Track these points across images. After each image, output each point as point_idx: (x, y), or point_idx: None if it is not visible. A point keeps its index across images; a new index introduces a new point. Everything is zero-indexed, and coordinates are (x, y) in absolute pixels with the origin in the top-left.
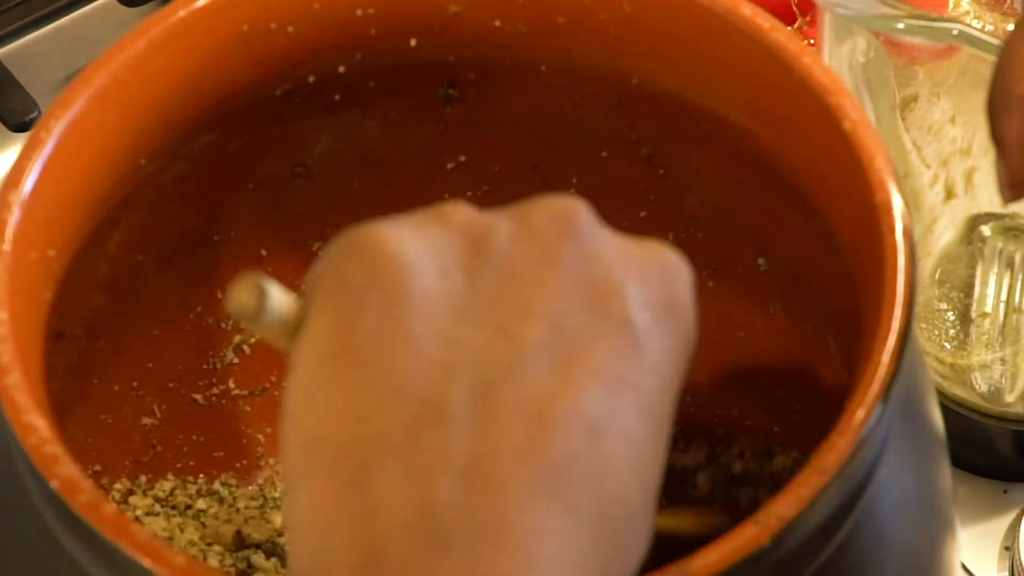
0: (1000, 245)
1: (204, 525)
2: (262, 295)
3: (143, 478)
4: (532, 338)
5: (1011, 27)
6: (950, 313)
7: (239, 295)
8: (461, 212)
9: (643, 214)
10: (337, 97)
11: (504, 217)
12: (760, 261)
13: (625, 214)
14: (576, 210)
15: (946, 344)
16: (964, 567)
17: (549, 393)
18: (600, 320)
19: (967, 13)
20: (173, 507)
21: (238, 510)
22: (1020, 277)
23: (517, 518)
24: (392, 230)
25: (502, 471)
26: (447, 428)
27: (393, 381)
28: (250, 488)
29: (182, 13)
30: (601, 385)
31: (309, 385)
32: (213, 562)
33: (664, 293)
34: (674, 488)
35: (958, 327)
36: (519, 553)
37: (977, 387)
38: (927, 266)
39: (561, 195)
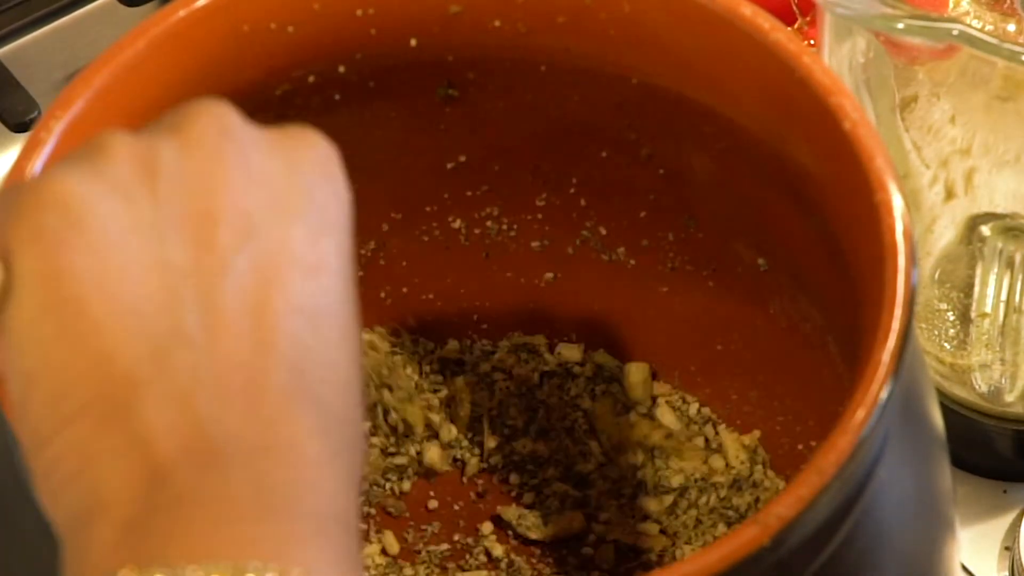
0: (1000, 245)
1: None
2: None
3: None
4: (228, 242)
5: (1011, 27)
6: (950, 313)
7: None
8: (119, 140)
9: (643, 214)
10: (337, 97)
11: (163, 135)
12: (760, 261)
13: (625, 214)
14: (227, 113)
15: (946, 344)
16: (964, 567)
17: (262, 292)
18: (278, 210)
19: (967, 13)
20: None
21: None
22: (1020, 277)
23: (281, 429)
24: (65, 174)
25: (251, 378)
26: (190, 348)
27: (122, 317)
28: None
29: (182, 13)
30: (301, 274)
31: (36, 341)
32: None
33: (322, 171)
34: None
35: (958, 327)
36: (292, 462)
37: (977, 387)
38: (927, 266)
39: (205, 100)
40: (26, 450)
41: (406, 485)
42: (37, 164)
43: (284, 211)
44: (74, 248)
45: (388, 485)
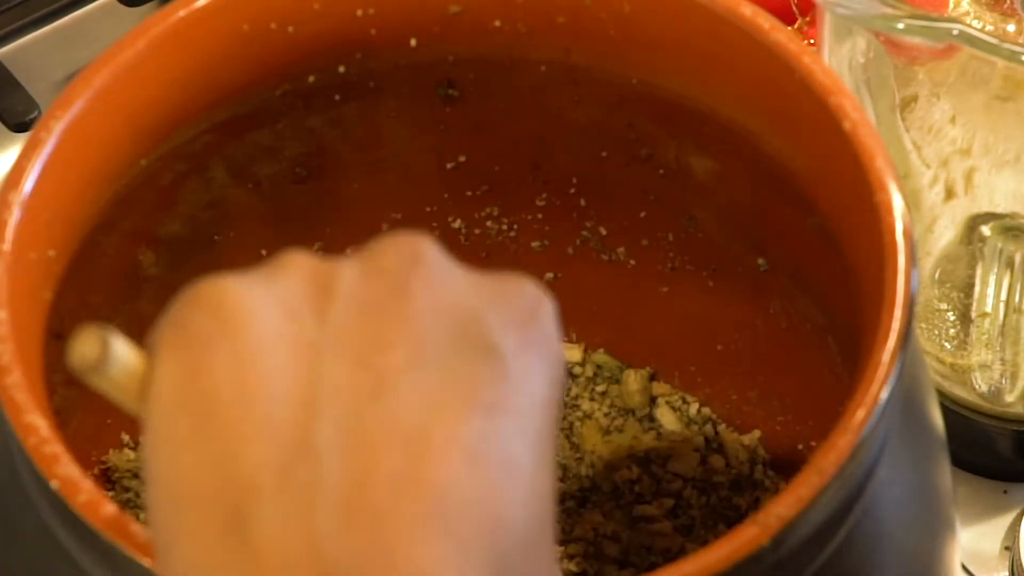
0: (1000, 245)
1: None
2: (104, 346)
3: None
4: (394, 366)
5: (1011, 27)
6: (950, 313)
7: (80, 346)
8: (302, 259)
9: (643, 214)
10: (337, 97)
11: (349, 260)
12: (760, 261)
13: (625, 214)
14: (422, 244)
15: (946, 344)
16: (964, 567)
17: (422, 420)
18: (463, 346)
19: (967, 13)
20: None
21: None
22: (1020, 277)
23: (405, 550)
24: (234, 281)
25: (381, 502)
26: (317, 463)
27: (254, 423)
28: None
29: (182, 13)
30: (475, 410)
31: (167, 439)
32: None
33: (524, 318)
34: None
35: (958, 327)
36: None
37: (977, 387)
38: (927, 266)
39: (406, 232)
40: (155, 545)
41: None
42: (37, 164)
43: (469, 346)
44: (217, 349)
45: None
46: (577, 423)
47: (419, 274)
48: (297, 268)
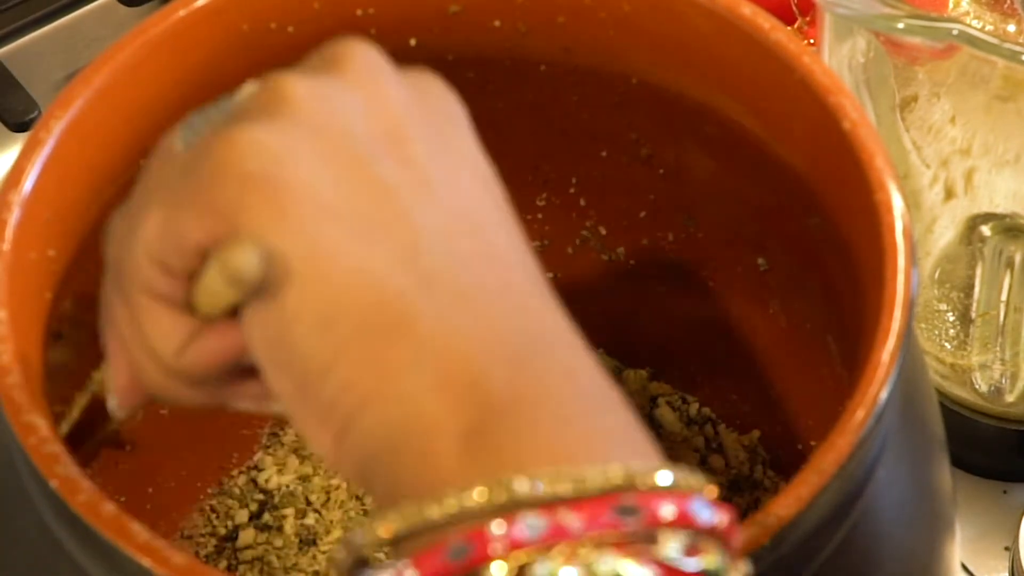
0: (1000, 245)
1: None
2: (260, 262)
3: None
4: (423, 156)
5: (1011, 27)
6: (950, 313)
7: (240, 262)
8: (292, 86)
9: (643, 214)
10: None
11: (408, 95)
12: (760, 261)
13: (625, 214)
14: (374, 53)
15: (946, 344)
16: (964, 567)
17: (467, 204)
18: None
19: (967, 13)
20: None
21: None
22: (1020, 277)
23: (548, 324)
24: (250, 127)
25: (499, 282)
26: (435, 255)
27: (360, 241)
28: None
29: (182, 13)
30: (484, 183)
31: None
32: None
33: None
34: None
35: (958, 327)
36: (576, 352)
37: (977, 387)
38: (927, 266)
39: (349, 41)
40: (291, 398)
41: None
42: (37, 164)
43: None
44: (291, 186)
45: None
46: None
47: (386, 78)
48: (294, 95)
